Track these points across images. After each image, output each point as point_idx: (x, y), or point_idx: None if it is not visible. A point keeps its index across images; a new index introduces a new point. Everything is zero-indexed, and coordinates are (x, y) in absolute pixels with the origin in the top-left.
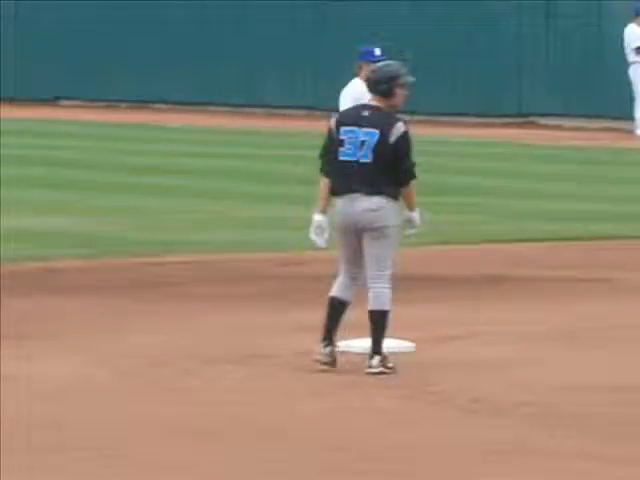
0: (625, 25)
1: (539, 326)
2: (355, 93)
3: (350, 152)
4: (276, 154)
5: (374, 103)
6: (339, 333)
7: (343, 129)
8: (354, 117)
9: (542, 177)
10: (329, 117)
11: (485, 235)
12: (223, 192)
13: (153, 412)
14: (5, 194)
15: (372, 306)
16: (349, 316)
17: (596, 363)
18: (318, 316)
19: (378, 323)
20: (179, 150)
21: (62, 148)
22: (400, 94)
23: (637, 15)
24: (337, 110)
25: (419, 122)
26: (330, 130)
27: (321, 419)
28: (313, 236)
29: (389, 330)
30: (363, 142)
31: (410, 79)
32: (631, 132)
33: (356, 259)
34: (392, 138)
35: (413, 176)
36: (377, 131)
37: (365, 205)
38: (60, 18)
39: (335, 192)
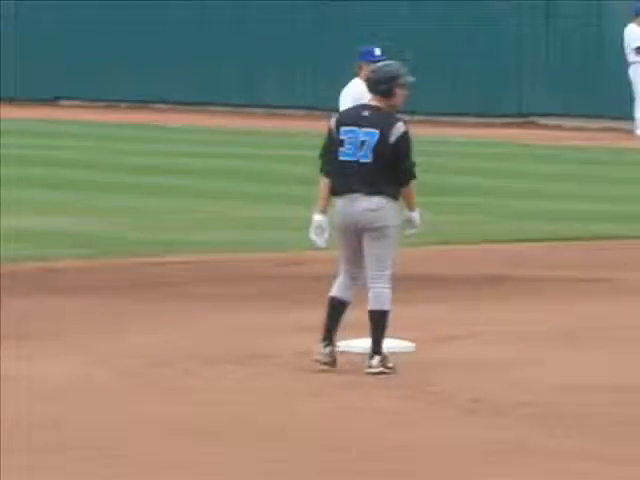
0: (625, 25)
1: (539, 326)
2: (355, 93)
3: (350, 152)
4: (276, 154)
5: (374, 103)
6: (339, 333)
7: (343, 129)
8: (354, 117)
9: (542, 177)
10: (329, 117)
11: (485, 235)
12: (223, 192)
13: (153, 412)
14: (5, 194)
15: (372, 306)
16: (349, 316)
17: (596, 363)
18: (318, 316)
19: (378, 323)
20: (179, 150)
21: (62, 148)
22: (400, 94)
23: (637, 15)
24: (337, 110)
25: (419, 122)
26: (330, 130)
27: (321, 419)
28: (313, 236)
29: (389, 330)
30: (363, 142)
31: (410, 79)
32: (631, 132)
33: (356, 259)
34: (392, 138)
35: (413, 176)
36: (377, 131)
37: (365, 205)
38: (60, 18)
39: (335, 192)
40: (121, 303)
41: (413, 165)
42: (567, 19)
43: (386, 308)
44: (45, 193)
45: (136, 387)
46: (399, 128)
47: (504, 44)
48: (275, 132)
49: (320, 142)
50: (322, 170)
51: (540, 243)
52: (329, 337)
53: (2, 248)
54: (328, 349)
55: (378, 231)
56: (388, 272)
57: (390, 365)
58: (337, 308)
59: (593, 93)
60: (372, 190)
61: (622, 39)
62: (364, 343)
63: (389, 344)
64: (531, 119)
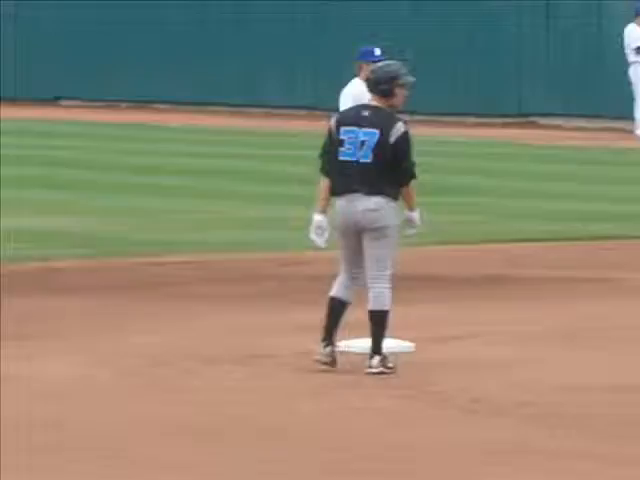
0: (625, 25)
1: (539, 326)
2: (355, 93)
3: (350, 152)
4: (276, 154)
5: (374, 103)
6: (339, 333)
7: (343, 129)
8: (354, 117)
9: (542, 177)
10: (329, 117)
11: (485, 235)
12: (223, 192)
13: (153, 412)
14: (5, 194)
15: (372, 306)
16: (349, 316)
17: (596, 363)
18: (318, 316)
19: (378, 323)
20: (179, 150)
21: (62, 148)
22: (400, 94)
23: (637, 15)
24: (337, 110)
25: (419, 122)
26: (330, 130)
27: (321, 419)
28: (313, 236)
29: (389, 330)
30: (363, 142)
31: (410, 79)
32: (631, 132)
33: (356, 259)
34: (392, 138)
35: (413, 176)
36: (377, 131)
37: (365, 205)
38: (60, 18)
39: (335, 192)
40: (121, 303)
41: (413, 165)
42: (567, 19)
43: (386, 308)
44: (45, 193)
45: (136, 387)
46: (399, 128)
47: (504, 44)
48: (275, 132)
49: (320, 142)
50: (322, 170)
51: (540, 243)
52: (329, 337)
53: (2, 248)
54: (328, 349)
55: (378, 231)
56: (388, 272)
57: (390, 365)
58: (337, 308)
59: (593, 93)
60: (372, 190)
61: (622, 39)
62: (364, 343)
63: (389, 344)
64: (531, 119)
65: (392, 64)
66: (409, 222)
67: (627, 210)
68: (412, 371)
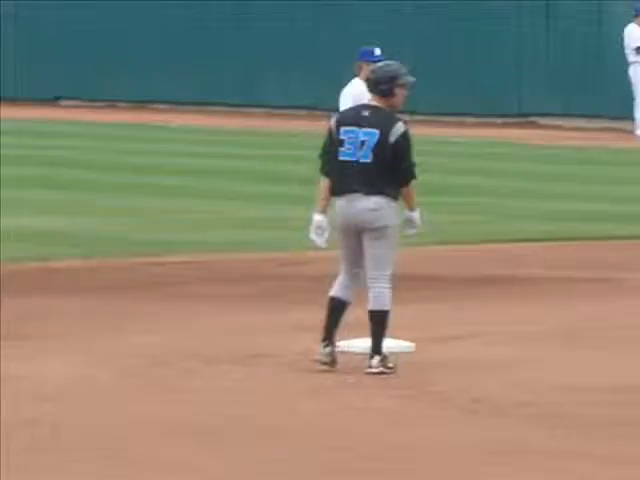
0: (625, 25)
1: (539, 326)
2: (355, 93)
3: (350, 152)
4: (276, 154)
5: (374, 103)
6: (339, 333)
7: (343, 129)
8: (354, 117)
9: (542, 177)
10: (329, 117)
11: (485, 235)
12: (223, 192)
13: (153, 412)
14: (5, 194)
15: (372, 306)
16: (349, 316)
17: (596, 363)
18: (318, 316)
19: (378, 323)
20: (179, 150)
21: (62, 148)
22: (400, 94)
23: (637, 15)
24: (337, 110)
25: (419, 122)
26: (330, 130)
27: (321, 419)
28: (313, 236)
29: (389, 330)
30: (363, 142)
31: (410, 79)
32: (631, 132)
33: (356, 259)
34: (392, 138)
35: (413, 176)
36: (377, 131)
37: (365, 205)
38: (60, 18)
39: (335, 192)
40: (121, 303)
41: (413, 165)
42: (567, 19)
43: (386, 308)
44: (45, 193)
45: (136, 387)
46: (399, 128)
47: (504, 44)
48: (275, 132)
49: (320, 142)
50: (322, 170)
51: (540, 243)
52: (329, 337)
53: (2, 248)
54: (328, 349)
55: (378, 231)
56: (388, 272)
57: (390, 365)
58: (337, 308)
59: (593, 93)
60: (372, 190)
61: (622, 39)
62: (364, 343)
63: (389, 344)
64: (531, 119)
65: (392, 64)
66: (409, 222)
67: (627, 210)
68: (412, 371)
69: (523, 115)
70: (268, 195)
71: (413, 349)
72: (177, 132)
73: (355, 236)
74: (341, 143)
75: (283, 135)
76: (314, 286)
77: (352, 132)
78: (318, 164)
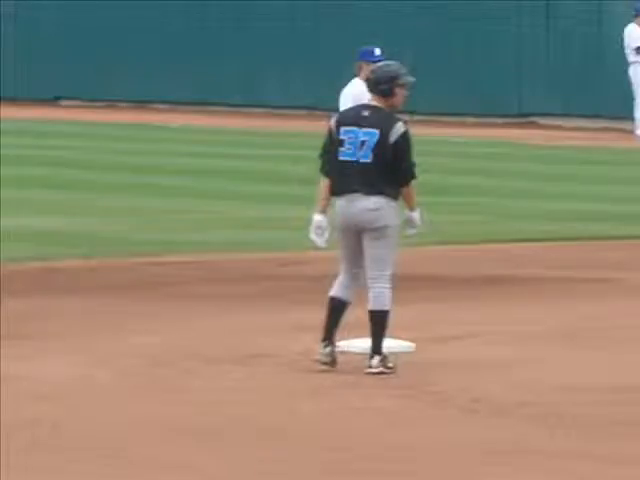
0: (625, 25)
1: (539, 326)
2: (355, 93)
3: (350, 152)
4: (276, 154)
5: (374, 103)
6: (339, 333)
7: (343, 129)
8: (354, 117)
9: (542, 177)
10: (329, 117)
11: (485, 235)
12: (223, 192)
13: (153, 412)
14: (5, 194)
15: (372, 306)
16: (349, 316)
17: (596, 363)
18: (318, 316)
19: (378, 323)
20: (179, 150)
21: (62, 148)
22: (400, 94)
23: (637, 15)
24: (337, 110)
25: (419, 122)
26: (330, 130)
27: (321, 419)
28: (313, 236)
29: (389, 330)
30: (363, 142)
31: (410, 79)
32: (631, 132)
33: (356, 259)
34: (392, 138)
35: (413, 176)
36: (377, 131)
37: (365, 205)
38: (60, 18)
39: (335, 192)
40: (121, 303)
41: (413, 165)
42: (567, 19)
43: (386, 308)
44: (45, 193)
45: (136, 387)
46: (399, 128)
47: (504, 44)
48: (275, 132)
49: (320, 142)
50: (322, 170)
51: (540, 243)
52: (329, 337)
53: (2, 248)
54: (328, 349)
55: (378, 231)
56: (388, 272)
57: (390, 365)
58: (337, 308)
59: (593, 93)
60: (372, 190)
61: (622, 39)
62: (364, 343)
63: (389, 344)
64: (531, 119)
65: (392, 64)
66: (409, 222)
67: (627, 210)
68: (412, 371)
69: (523, 115)
70: (268, 195)
71: (413, 349)
72: (177, 132)
73: (355, 236)
74: (341, 143)
75: (283, 135)
76: (314, 286)
77: (352, 132)
78: (318, 164)
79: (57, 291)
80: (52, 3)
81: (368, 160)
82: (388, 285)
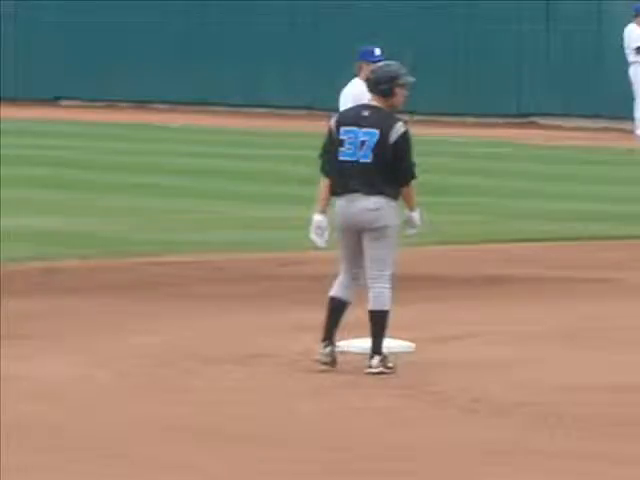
0: (625, 25)
1: (539, 326)
2: (355, 93)
3: (350, 152)
4: (276, 154)
5: (374, 103)
6: (339, 333)
7: (343, 129)
8: (354, 117)
9: (542, 177)
10: (329, 117)
11: (485, 235)
12: (223, 192)
13: (153, 412)
14: (5, 194)
15: (372, 306)
16: (349, 316)
17: (596, 363)
18: (318, 316)
19: (378, 323)
20: (179, 150)
21: (62, 148)
22: (400, 94)
23: (637, 15)
24: (337, 110)
25: (419, 122)
26: (330, 130)
27: (321, 419)
28: (313, 236)
29: (389, 330)
30: (363, 142)
31: (410, 79)
32: (631, 132)
33: (356, 259)
34: (392, 138)
35: (413, 176)
36: (377, 131)
37: (365, 205)
38: (60, 18)
39: (335, 192)
40: (121, 303)
41: (413, 165)
42: (567, 19)
43: (386, 308)
44: (45, 193)
45: (136, 387)
46: (399, 128)
47: (504, 44)
48: (275, 132)
49: (320, 142)
50: (322, 170)
51: (540, 243)
52: (329, 337)
53: (2, 248)
54: (328, 349)
55: (378, 231)
56: (388, 272)
57: (390, 365)
58: (337, 308)
59: (593, 93)
60: (372, 190)
61: (622, 39)
62: (364, 343)
63: (389, 344)
64: (531, 119)
65: (392, 64)
66: (409, 222)
67: (627, 210)
68: (412, 371)
69: (523, 115)
70: (268, 195)
71: (413, 349)
72: (177, 132)
73: (355, 236)
74: (341, 143)
75: (283, 135)
76: (314, 286)
77: (352, 132)
78: (318, 164)
79: (57, 291)
80: (52, 3)
81: (368, 160)
82: (388, 285)
